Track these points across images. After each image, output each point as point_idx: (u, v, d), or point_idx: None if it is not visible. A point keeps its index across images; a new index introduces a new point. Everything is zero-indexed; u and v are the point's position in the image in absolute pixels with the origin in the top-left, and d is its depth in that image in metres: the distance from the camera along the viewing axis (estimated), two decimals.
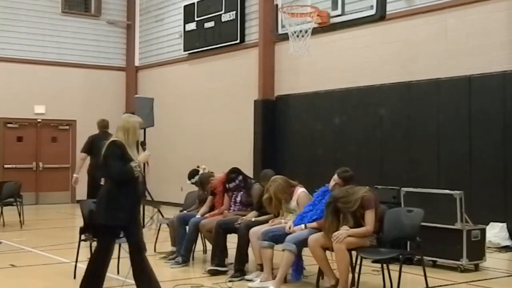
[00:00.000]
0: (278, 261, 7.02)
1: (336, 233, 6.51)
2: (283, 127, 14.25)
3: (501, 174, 10.40)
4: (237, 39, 15.29)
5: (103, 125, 12.18)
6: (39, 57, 17.65)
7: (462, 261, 7.92)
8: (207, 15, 16.06)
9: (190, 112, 16.80)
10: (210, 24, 16.00)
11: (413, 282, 7.12)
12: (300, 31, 9.83)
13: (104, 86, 18.60)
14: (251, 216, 7.83)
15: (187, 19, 16.74)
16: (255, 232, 7.33)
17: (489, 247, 9.17)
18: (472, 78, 10.81)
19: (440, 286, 7.22)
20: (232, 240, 7.85)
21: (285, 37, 10.38)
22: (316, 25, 9.79)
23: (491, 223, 9.94)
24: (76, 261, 7.50)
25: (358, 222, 6.63)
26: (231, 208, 8.42)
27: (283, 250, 6.86)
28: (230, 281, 7.21)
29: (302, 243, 6.86)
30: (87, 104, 18.15)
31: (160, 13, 18.14)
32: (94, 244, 7.32)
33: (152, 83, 18.20)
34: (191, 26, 16.61)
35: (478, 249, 8.09)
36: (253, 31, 15.04)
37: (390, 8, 10.44)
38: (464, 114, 10.90)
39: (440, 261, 8.17)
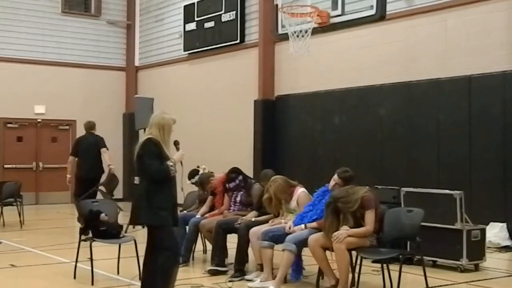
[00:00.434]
0: (278, 261, 7.02)
1: (336, 233, 6.51)
2: (283, 127, 14.24)
3: (501, 174, 10.40)
4: (237, 39, 15.28)
5: (89, 127, 12.29)
6: (39, 57, 17.65)
7: (462, 261, 7.92)
8: (207, 15, 16.05)
9: (190, 112, 16.78)
10: (210, 24, 16.00)
11: (413, 282, 7.12)
12: (300, 31, 9.84)
13: (104, 86, 18.60)
14: (251, 216, 7.84)
15: (187, 19, 16.74)
16: (255, 232, 7.33)
17: (489, 247, 9.17)
18: (472, 78, 10.81)
19: (440, 286, 7.22)
20: (232, 240, 7.85)
21: (285, 37, 10.38)
22: (316, 25, 9.80)
23: (491, 223, 9.94)
24: (76, 261, 7.51)
25: (358, 222, 6.63)
26: (231, 208, 8.42)
27: (283, 250, 6.86)
28: (230, 281, 7.21)
29: (302, 243, 6.86)
30: (87, 104, 18.15)
31: (160, 13, 18.14)
32: (94, 244, 7.34)
33: (152, 83, 18.21)
34: (191, 26, 16.61)
35: (478, 249, 8.09)
36: (253, 31, 15.04)
37: (390, 8, 10.45)
38: (464, 114, 10.90)
39: (440, 261, 8.17)
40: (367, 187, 6.94)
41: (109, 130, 18.47)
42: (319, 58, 12.74)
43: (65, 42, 18.08)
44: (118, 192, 18.25)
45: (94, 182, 11.71)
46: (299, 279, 7.26)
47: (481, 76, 10.69)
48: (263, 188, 7.76)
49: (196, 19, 16.43)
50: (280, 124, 14.33)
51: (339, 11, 9.73)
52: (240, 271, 7.46)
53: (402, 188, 8.52)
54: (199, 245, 8.83)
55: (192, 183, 9.77)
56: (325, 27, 9.95)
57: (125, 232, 8.02)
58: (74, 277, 7.45)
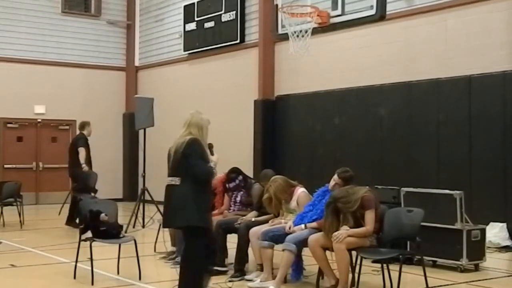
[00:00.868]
0: (278, 261, 7.02)
1: (336, 233, 6.51)
2: (283, 127, 14.24)
3: (501, 174, 10.40)
4: (237, 39, 15.29)
5: (79, 126, 12.91)
6: (39, 57, 17.65)
7: (462, 261, 7.92)
8: (207, 15, 16.06)
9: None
10: (210, 24, 16.00)
11: (413, 282, 7.12)
12: (300, 31, 9.84)
13: (104, 86, 18.61)
14: (251, 216, 7.84)
15: (187, 19, 16.74)
16: (255, 232, 7.33)
17: (489, 247, 9.17)
18: (472, 78, 10.81)
19: (440, 286, 7.22)
20: (232, 240, 7.85)
21: (285, 37, 10.39)
22: (316, 25, 9.80)
23: (491, 223, 9.94)
24: (76, 261, 7.50)
25: (358, 222, 6.63)
26: (231, 208, 8.42)
27: (283, 250, 6.86)
28: (230, 281, 7.20)
29: (302, 243, 6.86)
30: (87, 104, 18.16)
31: (160, 13, 18.14)
32: (94, 244, 7.34)
33: (152, 83, 18.21)
34: (191, 26, 16.61)
35: (478, 249, 8.09)
36: (253, 31, 15.04)
37: (390, 8, 10.45)
38: (464, 114, 10.90)
39: (440, 261, 8.17)
40: (367, 187, 6.94)
41: (109, 130, 18.56)
42: (319, 58, 12.74)
43: (65, 42, 18.08)
44: (118, 192, 18.34)
45: (73, 179, 12.69)
46: (299, 279, 7.26)
47: (481, 76, 10.69)
48: (263, 188, 7.76)
49: (196, 19, 16.43)
50: (280, 124, 14.33)
51: (339, 11, 9.74)
52: (240, 271, 7.45)
53: (402, 188, 8.53)
54: None
55: None
56: (325, 27, 9.95)
57: (125, 232, 8.02)
58: (74, 277, 7.45)
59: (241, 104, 14.97)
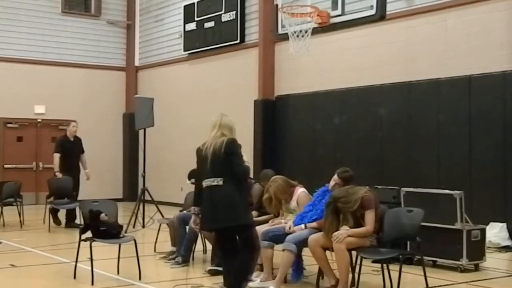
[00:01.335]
0: (278, 261, 7.02)
1: (336, 233, 6.51)
2: (283, 127, 14.24)
3: (501, 174, 10.39)
4: (237, 39, 15.28)
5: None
6: (39, 57, 17.65)
7: (462, 261, 7.92)
8: (207, 15, 16.05)
9: (190, 112, 16.79)
10: (210, 24, 16.00)
11: (413, 282, 7.12)
12: (300, 31, 9.84)
13: (104, 86, 18.60)
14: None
15: (187, 19, 16.74)
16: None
17: (489, 247, 9.17)
18: (472, 78, 10.81)
19: (440, 286, 7.22)
20: None
21: (285, 37, 10.39)
22: (316, 25, 9.80)
23: (491, 223, 9.94)
24: (76, 261, 7.50)
25: (358, 222, 6.63)
26: None
27: (283, 250, 6.86)
28: None
29: (302, 243, 6.86)
30: (87, 104, 18.16)
31: (160, 13, 18.14)
32: (94, 244, 7.34)
33: (152, 83, 18.21)
34: (191, 26, 16.61)
35: (478, 249, 8.09)
36: (253, 31, 15.04)
37: (390, 8, 10.45)
38: (464, 114, 10.90)
39: (440, 261, 8.17)
40: (367, 187, 6.95)
41: (109, 130, 18.57)
42: (319, 58, 12.74)
43: (65, 42, 18.07)
44: (118, 192, 18.34)
45: None
46: (299, 279, 7.26)
47: (481, 76, 10.69)
48: (263, 188, 7.77)
49: (196, 19, 16.43)
50: (280, 124, 14.33)
51: (339, 11, 9.74)
52: None
53: (402, 188, 8.53)
54: (199, 245, 8.82)
55: (192, 183, 9.74)
56: (325, 27, 9.95)
57: (125, 232, 8.02)
58: (74, 277, 7.45)
59: (241, 104, 14.97)
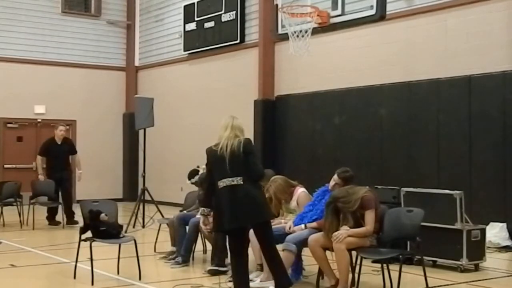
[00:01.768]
0: None
1: (336, 233, 6.51)
2: (283, 127, 14.25)
3: (501, 174, 10.40)
4: (237, 39, 15.28)
5: None
6: (39, 57, 17.64)
7: (462, 261, 7.92)
8: (207, 15, 16.05)
9: (190, 112, 16.80)
10: (210, 24, 15.99)
11: (413, 282, 7.12)
12: (300, 31, 9.84)
13: (104, 86, 18.60)
14: None
15: (187, 19, 16.74)
16: None
17: (489, 247, 9.17)
18: (472, 78, 10.81)
19: (440, 286, 7.22)
20: None
21: (285, 37, 10.39)
22: (316, 25, 9.80)
23: (491, 223, 9.94)
24: (76, 261, 7.50)
25: (358, 222, 6.63)
26: None
27: (283, 250, 6.86)
28: (230, 281, 7.19)
29: (302, 243, 6.86)
30: (87, 104, 18.16)
31: (160, 13, 18.13)
32: (94, 244, 7.34)
33: (152, 83, 18.21)
34: (191, 26, 16.61)
35: (478, 249, 8.09)
36: (253, 31, 15.04)
37: (390, 8, 10.45)
38: (464, 114, 10.90)
39: (440, 261, 8.17)
40: (367, 187, 6.95)
41: (109, 130, 18.57)
42: (319, 58, 12.74)
43: (65, 42, 18.06)
44: (118, 192, 18.34)
45: None
46: (299, 279, 7.25)
47: (481, 76, 10.69)
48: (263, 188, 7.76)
49: (196, 19, 16.43)
50: (280, 124, 14.33)
51: (339, 11, 9.74)
52: None
53: (402, 188, 8.53)
54: (199, 245, 8.83)
55: (192, 183, 9.76)
56: (325, 27, 9.95)
57: (125, 232, 8.02)
58: (74, 277, 7.45)
59: (241, 104, 14.96)
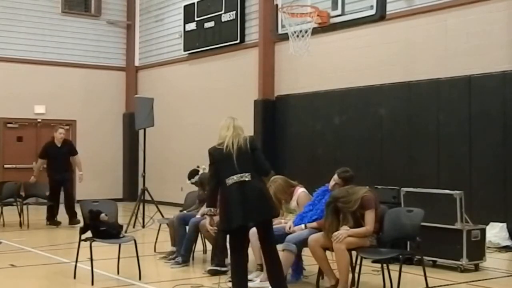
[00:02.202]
0: None
1: (336, 233, 6.51)
2: (283, 127, 14.25)
3: (501, 174, 10.40)
4: (237, 39, 15.28)
5: None
6: (39, 57, 17.64)
7: (462, 261, 7.92)
8: (207, 15, 16.05)
9: (190, 112, 16.80)
10: (210, 24, 16.00)
11: (413, 282, 7.12)
12: (300, 31, 9.84)
13: (104, 86, 18.60)
14: None
15: (187, 19, 16.74)
16: (255, 232, 7.30)
17: (489, 247, 9.17)
18: (472, 78, 10.81)
19: (440, 286, 7.22)
20: None
21: (285, 37, 10.39)
22: (316, 25, 9.80)
23: (491, 223, 9.94)
24: (76, 261, 7.50)
25: (358, 222, 6.63)
26: None
27: (283, 250, 6.86)
28: (230, 281, 7.19)
29: (302, 243, 6.86)
30: (87, 104, 18.17)
31: (160, 13, 18.14)
32: (94, 244, 7.34)
33: (152, 83, 18.21)
34: (191, 26, 16.61)
35: (478, 249, 8.09)
36: (253, 31, 15.04)
37: (390, 8, 10.45)
38: (464, 114, 10.90)
39: (440, 261, 8.17)
40: (367, 187, 6.94)
41: (109, 130, 18.57)
42: (319, 58, 12.74)
43: (65, 42, 18.06)
44: (118, 192, 18.34)
45: None
46: (299, 279, 7.26)
47: (481, 76, 10.69)
48: None
49: (196, 19, 16.43)
50: (280, 124, 14.34)
51: (339, 11, 9.74)
52: None
53: (402, 188, 8.53)
54: (199, 245, 8.83)
55: (192, 183, 9.77)
56: (325, 27, 9.95)
57: (125, 232, 8.01)
58: (74, 277, 7.45)
59: (241, 104, 14.96)
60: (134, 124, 13.56)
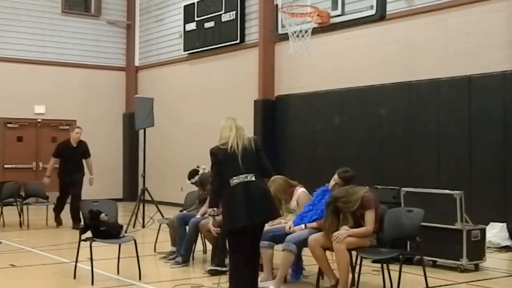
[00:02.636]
0: (278, 261, 7.02)
1: (336, 233, 6.51)
2: (283, 127, 14.25)
3: (501, 174, 10.40)
4: (237, 39, 15.29)
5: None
6: (39, 57, 17.65)
7: (462, 261, 7.92)
8: (207, 15, 16.06)
9: (190, 112, 16.80)
10: (210, 24, 16.00)
11: (413, 282, 7.12)
12: (300, 31, 9.85)
13: (104, 86, 18.60)
14: None
15: (187, 19, 16.74)
16: None
17: (489, 247, 9.17)
18: (472, 78, 10.81)
19: (440, 286, 7.22)
20: None
21: (285, 37, 10.40)
22: (316, 25, 9.81)
23: (491, 223, 9.94)
24: (76, 261, 7.50)
25: (358, 222, 6.63)
26: None
27: (283, 250, 6.86)
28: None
29: (302, 243, 6.86)
30: (87, 104, 18.17)
31: (160, 13, 18.14)
32: (94, 244, 7.34)
33: (152, 83, 18.21)
34: (191, 26, 16.61)
35: (478, 249, 8.09)
36: (253, 31, 15.04)
37: (390, 8, 10.46)
38: (464, 114, 10.90)
39: (440, 261, 8.17)
40: (367, 187, 6.94)
41: (109, 130, 18.57)
42: (319, 58, 12.74)
43: (65, 42, 18.07)
44: (118, 192, 18.35)
45: None
46: (299, 279, 7.26)
47: (481, 76, 10.69)
48: None
49: (196, 19, 16.43)
50: (280, 124, 14.34)
51: (339, 11, 9.75)
52: None
53: (402, 188, 8.53)
54: (199, 245, 8.83)
55: (192, 183, 9.77)
56: (325, 27, 9.96)
57: (125, 232, 8.01)
58: (74, 277, 7.45)
59: (241, 104, 14.96)
60: (134, 124, 13.56)
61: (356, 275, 6.73)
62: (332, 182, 7.09)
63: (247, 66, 15.13)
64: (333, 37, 12.40)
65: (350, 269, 6.65)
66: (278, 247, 7.05)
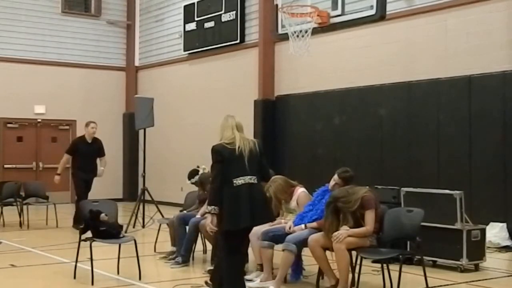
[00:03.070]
0: (278, 261, 7.02)
1: (336, 233, 6.51)
2: (283, 127, 14.25)
3: (501, 174, 10.39)
4: (237, 39, 15.28)
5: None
6: (39, 57, 17.65)
7: (462, 261, 7.92)
8: (207, 15, 16.05)
9: (190, 112, 16.80)
10: (210, 24, 16.00)
11: (413, 282, 7.12)
12: (300, 31, 9.85)
13: (104, 86, 18.60)
14: None
15: (187, 19, 16.74)
16: (255, 232, 7.29)
17: (489, 247, 9.17)
18: (472, 78, 10.81)
19: (440, 286, 7.22)
20: None
21: (285, 37, 10.39)
22: (316, 25, 9.81)
23: (491, 223, 9.94)
24: (76, 261, 7.50)
25: (358, 222, 6.63)
26: None
27: (283, 250, 6.86)
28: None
29: (302, 243, 6.86)
30: (87, 104, 18.16)
31: (160, 13, 18.14)
32: (94, 244, 7.34)
33: (152, 83, 18.21)
34: (191, 26, 16.61)
35: (478, 249, 8.09)
36: (253, 31, 15.04)
37: (390, 8, 10.45)
38: (464, 114, 10.90)
39: (440, 261, 8.17)
40: (367, 187, 6.95)
41: (109, 130, 18.52)
42: (319, 58, 12.74)
43: (65, 42, 18.07)
44: (118, 192, 18.35)
45: None
46: (299, 279, 7.26)
47: (481, 76, 10.69)
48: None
49: (196, 19, 16.43)
50: (280, 124, 14.33)
51: (339, 11, 9.75)
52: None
53: (402, 188, 8.53)
54: (199, 245, 8.83)
55: (192, 183, 9.77)
56: (325, 27, 9.95)
57: (125, 232, 8.01)
58: (74, 277, 7.45)
59: (241, 104, 14.96)
60: (134, 124, 13.56)
61: (356, 275, 6.73)
62: (332, 182, 7.09)
63: (247, 66, 15.13)
64: (333, 37, 12.40)
65: (350, 269, 6.65)
66: (278, 247, 7.05)
